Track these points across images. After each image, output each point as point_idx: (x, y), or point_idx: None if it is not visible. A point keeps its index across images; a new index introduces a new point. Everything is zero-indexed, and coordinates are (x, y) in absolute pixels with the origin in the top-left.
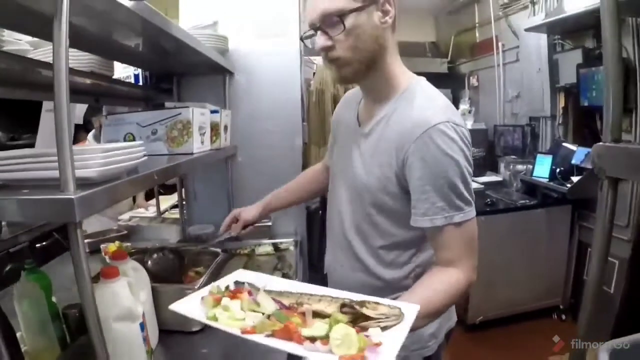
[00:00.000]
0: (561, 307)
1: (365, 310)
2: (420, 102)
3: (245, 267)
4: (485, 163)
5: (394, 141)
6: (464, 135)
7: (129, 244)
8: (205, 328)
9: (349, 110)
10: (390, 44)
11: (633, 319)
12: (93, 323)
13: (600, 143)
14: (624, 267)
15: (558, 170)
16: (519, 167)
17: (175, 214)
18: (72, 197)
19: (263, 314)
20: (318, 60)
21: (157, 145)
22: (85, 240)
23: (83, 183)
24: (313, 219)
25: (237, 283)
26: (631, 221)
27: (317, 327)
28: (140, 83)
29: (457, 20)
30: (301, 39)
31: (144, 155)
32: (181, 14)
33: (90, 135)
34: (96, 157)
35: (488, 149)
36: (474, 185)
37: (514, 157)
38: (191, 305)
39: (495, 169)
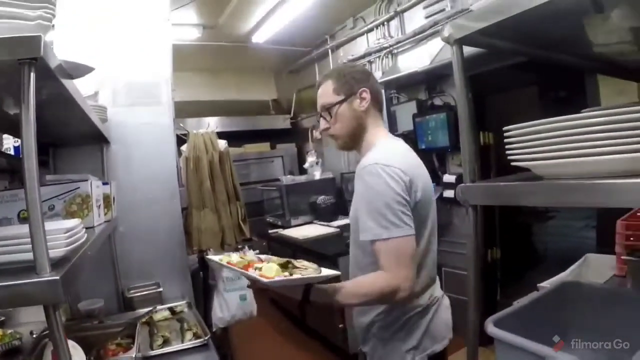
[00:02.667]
0: None
1: (294, 262)
2: (370, 153)
3: (151, 333)
4: (336, 209)
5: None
6: (392, 173)
7: (11, 330)
8: None
9: None
10: (369, 118)
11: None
12: None
13: (463, 184)
14: None
15: None
16: None
17: None
18: (57, 277)
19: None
20: (185, 124)
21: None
22: None
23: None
24: (195, 280)
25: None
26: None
27: (262, 265)
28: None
29: (298, 78)
30: (317, 120)
31: (85, 232)
32: None
33: None
34: (61, 237)
35: (338, 195)
36: (330, 230)
37: None
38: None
39: (346, 213)
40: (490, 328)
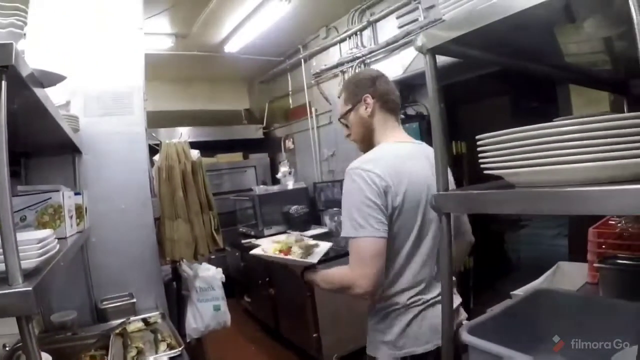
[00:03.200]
0: None
1: (300, 243)
2: (361, 156)
3: (125, 345)
4: (309, 218)
5: None
6: (367, 178)
7: None
8: None
9: None
10: (376, 121)
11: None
12: None
13: (436, 192)
14: None
15: None
16: None
17: None
18: (30, 288)
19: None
20: (158, 134)
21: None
22: None
23: (23, 274)
24: (168, 290)
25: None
26: None
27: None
28: None
29: (271, 88)
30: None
31: (57, 242)
32: None
33: None
34: (34, 247)
35: (310, 205)
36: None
37: (336, 209)
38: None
39: (318, 222)
40: (465, 335)
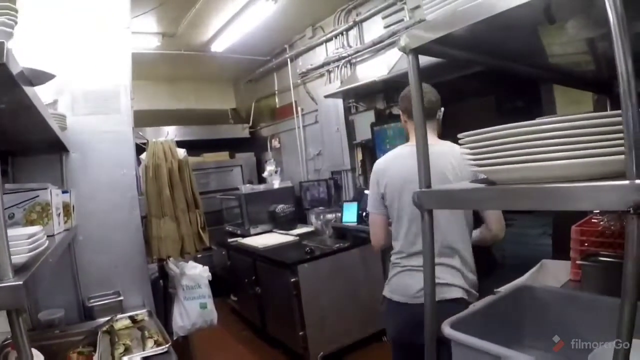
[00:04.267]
0: None
1: None
2: None
3: (112, 342)
4: (295, 217)
5: None
6: (373, 173)
7: None
8: None
9: None
10: (409, 129)
11: None
12: None
13: (419, 189)
14: None
15: (364, 214)
16: (329, 216)
17: None
18: (20, 282)
19: None
20: (144, 133)
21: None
22: None
23: (14, 269)
24: (155, 288)
25: None
26: None
27: None
28: None
29: (257, 87)
30: None
31: (46, 239)
32: None
33: None
34: (24, 243)
35: (296, 204)
36: (289, 238)
37: (322, 208)
38: None
39: (304, 221)
40: (447, 330)
